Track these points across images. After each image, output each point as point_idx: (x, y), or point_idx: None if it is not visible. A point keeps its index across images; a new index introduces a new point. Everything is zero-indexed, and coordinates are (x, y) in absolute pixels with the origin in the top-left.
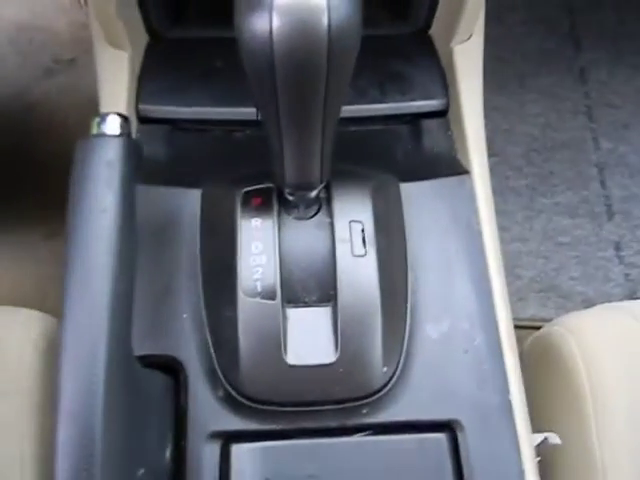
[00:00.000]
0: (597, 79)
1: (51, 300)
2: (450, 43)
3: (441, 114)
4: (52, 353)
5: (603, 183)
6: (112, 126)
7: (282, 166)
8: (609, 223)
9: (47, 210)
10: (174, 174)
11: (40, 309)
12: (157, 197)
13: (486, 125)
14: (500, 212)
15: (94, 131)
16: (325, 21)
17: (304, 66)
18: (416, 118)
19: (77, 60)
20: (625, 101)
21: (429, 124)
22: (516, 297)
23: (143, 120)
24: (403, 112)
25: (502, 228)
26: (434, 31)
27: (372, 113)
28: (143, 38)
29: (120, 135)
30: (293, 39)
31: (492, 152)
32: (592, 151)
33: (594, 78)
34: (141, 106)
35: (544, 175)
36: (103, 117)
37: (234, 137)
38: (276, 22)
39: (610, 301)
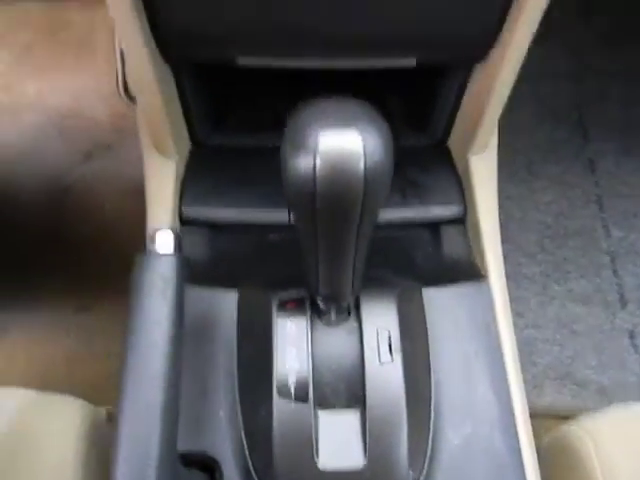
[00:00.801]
0: (605, 169)
1: (79, 378)
2: (467, 154)
3: (459, 221)
4: (94, 446)
5: (615, 271)
6: (166, 244)
7: (316, 278)
8: (622, 311)
9: (78, 285)
10: (213, 274)
11: (70, 388)
12: (197, 297)
13: (499, 214)
14: (514, 298)
15: (150, 245)
16: (362, 165)
17: (342, 201)
18: (435, 224)
19: (115, 146)
20: (634, 191)
21: (448, 230)
22: (532, 385)
23: (185, 222)
24: (423, 218)
25: (517, 314)
26: (451, 143)
27: (394, 219)
28: (187, 145)
29: (173, 253)
30: (334, 179)
31: (505, 239)
32: (603, 239)
33: (603, 168)
34: (184, 209)
35: (557, 262)
36: (158, 233)
37: (270, 239)
38: (319, 164)
39: (625, 390)
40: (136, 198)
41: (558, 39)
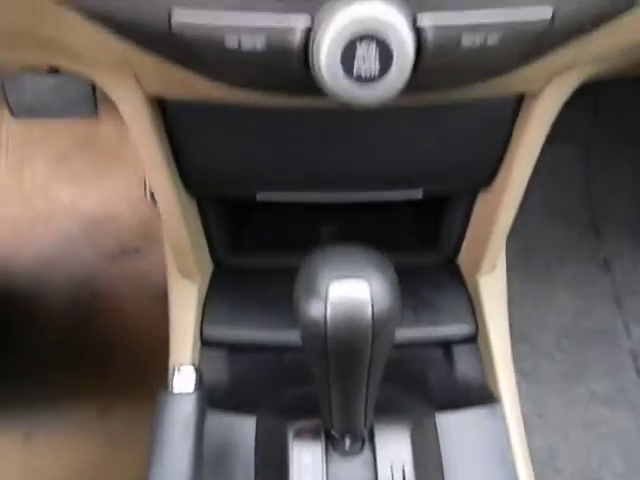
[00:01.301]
0: (621, 267)
1: None
2: (476, 274)
3: (470, 340)
4: None
5: (638, 371)
6: (187, 382)
7: (329, 411)
8: None
9: (101, 388)
10: (232, 398)
11: None
12: (216, 422)
13: (516, 313)
14: (535, 400)
15: (172, 381)
16: (369, 312)
17: (352, 345)
18: (447, 344)
19: (141, 249)
20: None
21: (460, 350)
22: None
23: (205, 342)
24: (434, 338)
25: (538, 416)
26: (461, 260)
27: (406, 339)
28: (209, 266)
29: (194, 391)
30: (343, 326)
31: (523, 339)
32: (624, 338)
33: (618, 266)
34: (205, 330)
35: (577, 362)
36: (179, 370)
37: (287, 360)
38: (330, 312)
39: None
40: (160, 301)
41: (567, 138)
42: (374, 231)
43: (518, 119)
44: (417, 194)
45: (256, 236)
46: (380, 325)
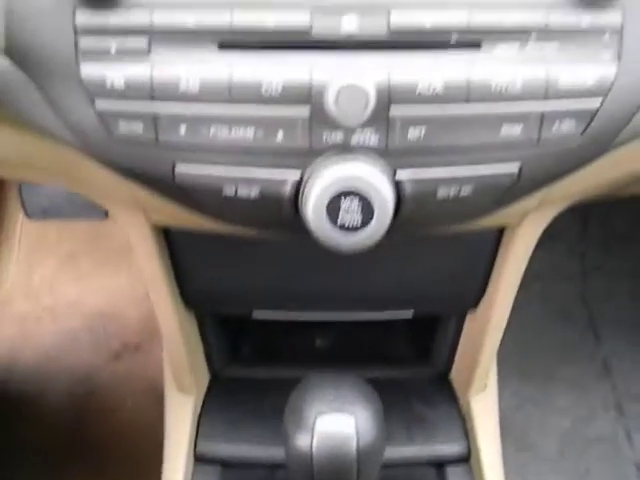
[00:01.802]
0: (621, 370)
1: None
2: (468, 392)
3: (462, 460)
4: None
5: None
6: None
7: None
8: None
9: None
10: None
11: None
12: None
13: (517, 417)
14: None
15: None
16: (354, 447)
17: (338, 476)
18: (439, 464)
19: (143, 346)
20: None
21: (452, 470)
22: None
23: (199, 458)
24: (427, 457)
25: None
26: (453, 376)
27: (398, 458)
28: (205, 378)
29: None
30: (329, 457)
31: (525, 447)
32: (627, 447)
33: (618, 369)
34: (199, 447)
35: (580, 471)
36: None
37: (279, 477)
38: (316, 445)
39: None
40: (159, 400)
41: (562, 240)
42: (368, 344)
43: (499, 248)
44: (407, 314)
45: (253, 347)
46: (365, 458)
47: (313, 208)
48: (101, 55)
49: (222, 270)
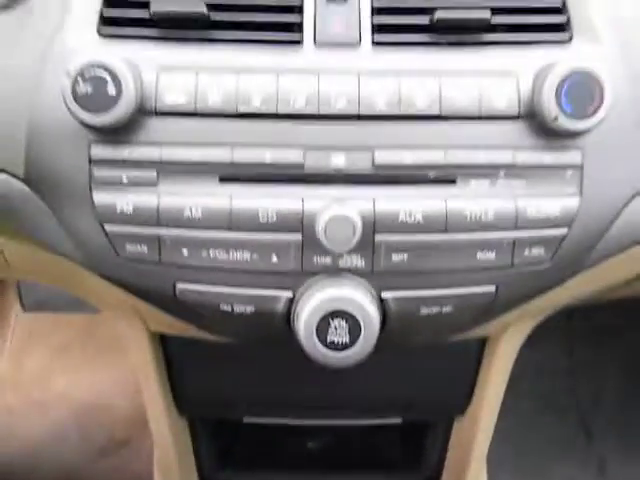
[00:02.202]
0: (614, 469)
1: None
2: None
3: None
4: None
5: None
6: None
7: None
8: None
9: None
10: None
11: None
12: None
13: None
14: None
15: None
16: None
17: None
18: None
19: (131, 441)
20: None
21: None
22: None
23: None
24: None
25: None
26: None
27: None
28: None
29: None
30: None
31: None
32: None
33: (611, 468)
34: None
35: None
36: None
37: None
38: None
39: None
40: None
41: (549, 336)
42: (360, 447)
43: (483, 357)
44: (397, 420)
45: (243, 452)
46: None
47: (304, 327)
48: (113, 184)
49: (216, 376)
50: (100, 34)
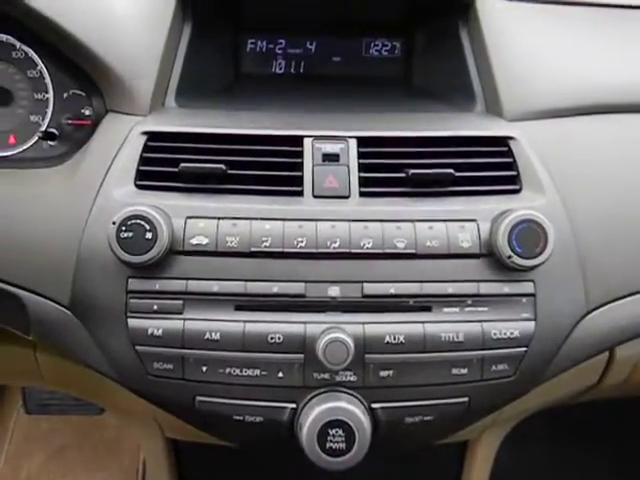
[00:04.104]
0: None
1: None
2: None
3: None
4: None
5: None
6: None
7: None
8: None
9: None
10: None
11: None
12: None
13: None
14: None
15: None
16: None
17: None
18: None
19: None
20: None
21: None
22: None
23: None
24: None
25: None
26: None
27: None
28: None
29: None
30: None
31: None
32: None
33: None
34: None
35: None
36: None
37: None
38: None
39: None
40: None
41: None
42: None
43: (465, 459)
44: None
45: None
46: None
47: (306, 435)
48: (145, 312)
49: (222, 476)
50: (137, 185)
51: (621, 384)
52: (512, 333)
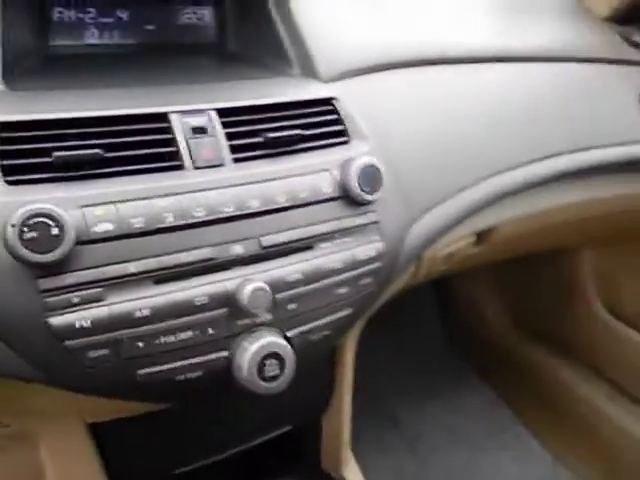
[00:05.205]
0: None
1: None
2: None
3: None
4: None
5: None
6: None
7: None
8: None
9: None
10: None
11: None
12: None
13: None
14: None
15: None
16: None
17: None
18: None
19: None
20: None
21: None
22: None
23: None
24: None
25: None
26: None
27: None
28: None
29: None
30: None
31: None
32: None
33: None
34: None
35: None
36: None
37: None
38: None
39: None
40: None
41: None
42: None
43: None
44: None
45: None
46: None
47: (247, 373)
48: (66, 307)
49: (145, 446)
50: (7, 182)
51: (426, 275)
52: (371, 253)
